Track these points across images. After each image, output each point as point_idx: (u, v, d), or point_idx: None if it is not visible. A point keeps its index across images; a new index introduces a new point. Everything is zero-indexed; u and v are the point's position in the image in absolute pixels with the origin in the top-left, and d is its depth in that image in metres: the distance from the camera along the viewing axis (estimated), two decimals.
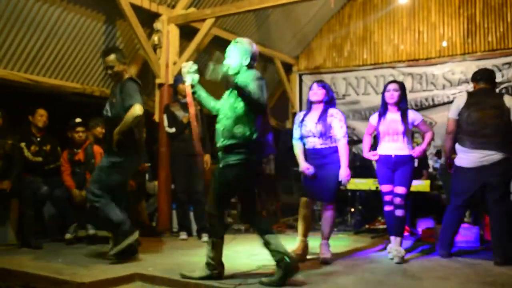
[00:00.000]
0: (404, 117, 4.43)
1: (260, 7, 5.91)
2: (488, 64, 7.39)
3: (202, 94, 3.68)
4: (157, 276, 3.57)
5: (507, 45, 7.35)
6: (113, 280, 3.49)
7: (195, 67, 3.60)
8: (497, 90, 6.87)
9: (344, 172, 4.19)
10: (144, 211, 6.10)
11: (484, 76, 4.61)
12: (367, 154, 4.67)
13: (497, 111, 4.35)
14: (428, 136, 4.53)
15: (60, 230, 5.29)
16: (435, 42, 7.90)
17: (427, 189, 5.80)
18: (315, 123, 4.30)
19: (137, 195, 5.89)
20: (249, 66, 3.56)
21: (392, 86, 4.51)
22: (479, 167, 4.35)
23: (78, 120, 5.43)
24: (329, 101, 4.39)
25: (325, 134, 4.27)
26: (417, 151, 4.45)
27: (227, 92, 3.61)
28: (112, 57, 4.24)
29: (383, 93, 4.58)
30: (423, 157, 6.20)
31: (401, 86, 4.53)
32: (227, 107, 3.49)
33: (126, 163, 4.19)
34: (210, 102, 3.69)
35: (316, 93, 4.40)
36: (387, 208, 4.49)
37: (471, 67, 7.37)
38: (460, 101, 4.55)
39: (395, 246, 4.36)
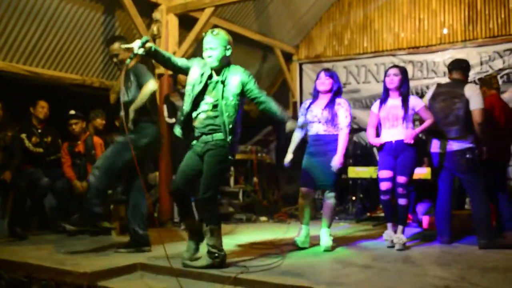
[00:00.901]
0: (404, 102, 4.38)
1: None
2: (489, 50, 7.36)
3: (160, 59, 3.58)
4: (159, 265, 3.57)
5: (508, 32, 7.28)
6: (115, 270, 3.50)
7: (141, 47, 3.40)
8: (499, 77, 6.86)
9: (338, 158, 4.20)
10: None
11: (455, 66, 4.75)
12: (373, 140, 4.58)
13: (458, 100, 4.48)
14: (426, 122, 4.40)
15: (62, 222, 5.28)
16: (435, 29, 7.84)
17: (428, 176, 5.78)
18: (322, 109, 4.33)
19: None
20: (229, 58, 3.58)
21: (393, 71, 4.45)
22: (437, 153, 4.61)
23: (71, 112, 5.41)
24: (337, 92, 4.41)
25: (331, 121, 4.29)
26: (409, 135, 4.30)
27: (217, 86, 3.51)
28: (116, 45, 4.23)
29: (384, 78, 4.54)
30: (424, 144, 6.17)
31: (402, 71, 4.46)
32: (224, 103, 3.44)
33: (140, 141, 4.08)
34: (170, 61, 3.59)
35: (324, 83, 4.40)
36: (383, 197, 4.43)
37: (472, 54, 7.34)
38: (429, 92, 4.76)
39: (397, 234, 4.35)
